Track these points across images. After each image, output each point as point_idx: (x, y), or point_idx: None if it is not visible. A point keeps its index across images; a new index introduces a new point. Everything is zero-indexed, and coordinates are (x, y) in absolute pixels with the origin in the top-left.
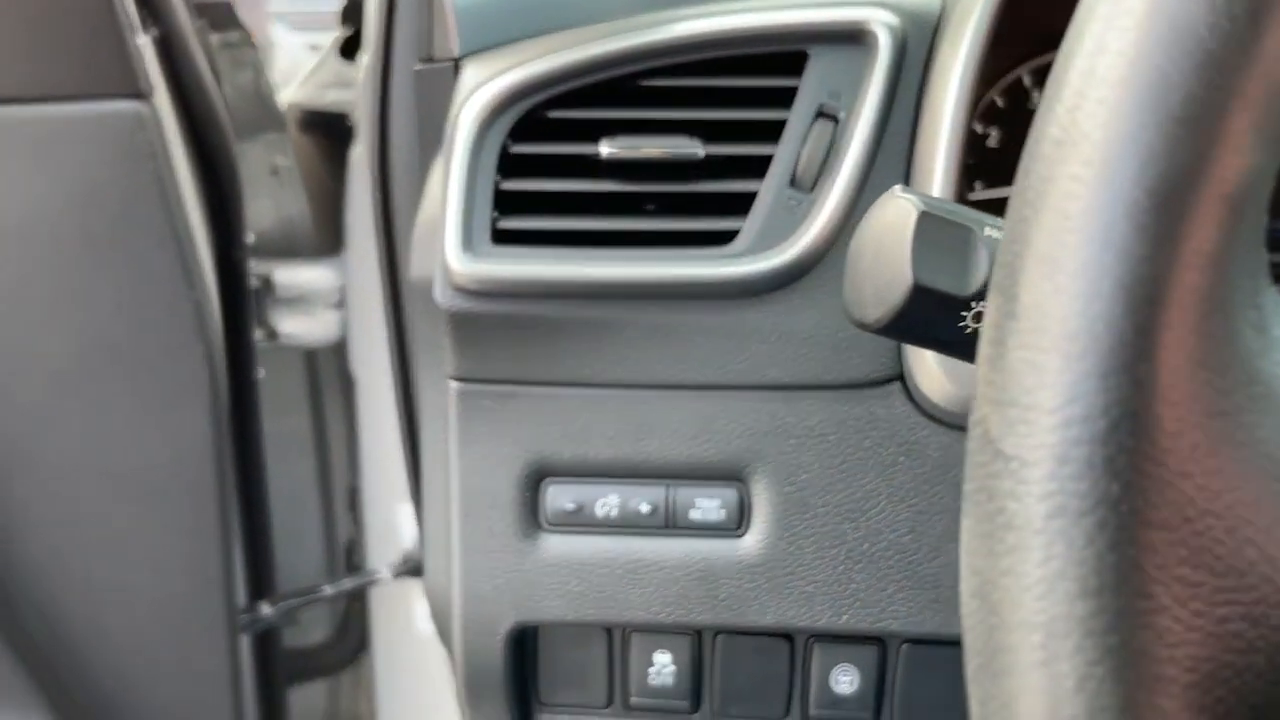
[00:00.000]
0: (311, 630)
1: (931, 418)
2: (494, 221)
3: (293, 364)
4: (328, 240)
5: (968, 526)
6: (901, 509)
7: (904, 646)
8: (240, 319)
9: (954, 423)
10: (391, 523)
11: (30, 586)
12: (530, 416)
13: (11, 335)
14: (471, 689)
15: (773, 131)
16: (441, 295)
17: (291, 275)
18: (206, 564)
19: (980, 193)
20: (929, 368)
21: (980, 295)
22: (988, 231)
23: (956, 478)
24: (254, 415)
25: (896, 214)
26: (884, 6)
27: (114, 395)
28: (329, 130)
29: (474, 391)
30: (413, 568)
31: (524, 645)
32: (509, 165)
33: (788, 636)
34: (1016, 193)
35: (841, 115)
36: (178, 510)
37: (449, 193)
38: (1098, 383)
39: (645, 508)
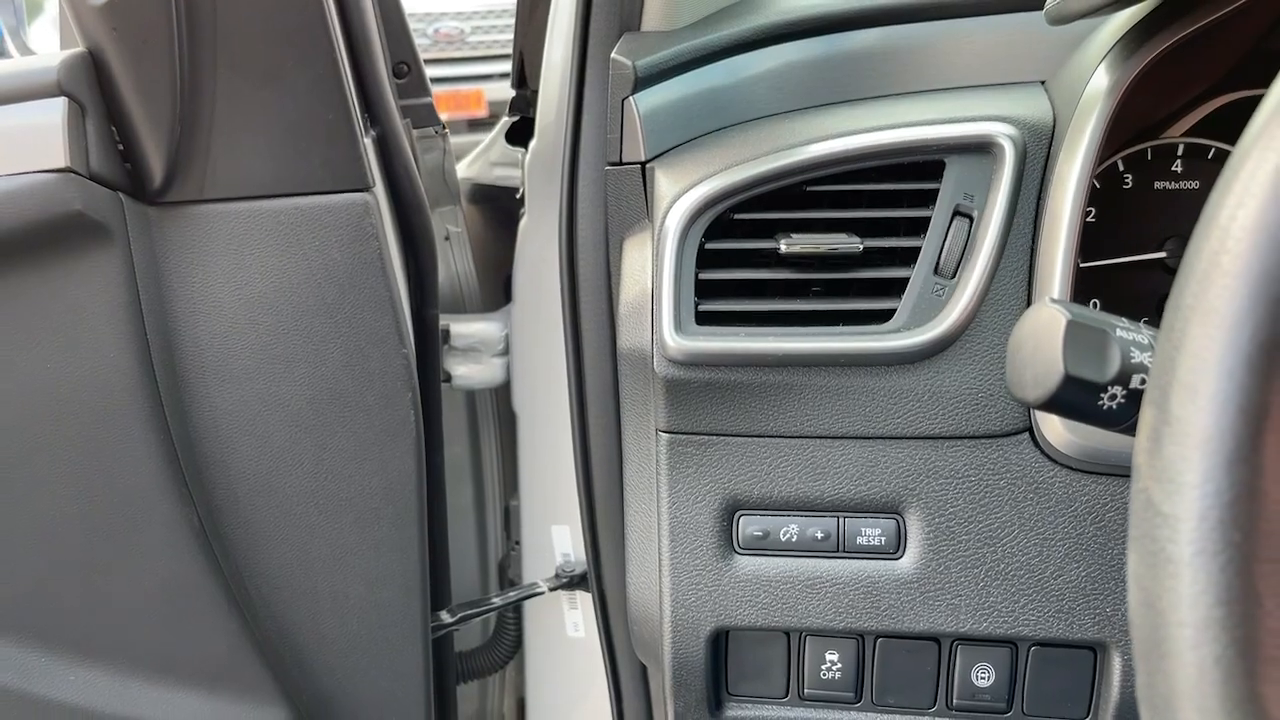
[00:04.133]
0: (467, 636)
1: (1055, 462)
2: (696, 305)
3: (455, 404)
4: (491, 297)
5: (1135, 559)
6: (1031, 536)
7: (1033, 649)
8: (430, 367)
9: (1074, 466)
10: (545, 540)
11: (267, 596)
12: (726, 461)
13: (262, 386)
14: (678, 681)
15: (918, 227)
16: (659, 366)
17: (464, 327)
18: (408, 577)
19: (1084, 264)
20: (1053, 422)
21: (1114, 381)
22: (1119, 333)
23: (1077, 510)
24: (438, 449)
25: (1050, 319)
26: (1006, 121)
27: (339, 435)
28: (495, 203)
29: (680, 441)
30: (565, 581)
31: (717, 646)
32: (704, 259)
33: (935, 640)
34: (1163, 337)
35: (975, 214)
36: (386, 531)
37: (662, 283)
38: (1225, 469)
39: (820, 534)
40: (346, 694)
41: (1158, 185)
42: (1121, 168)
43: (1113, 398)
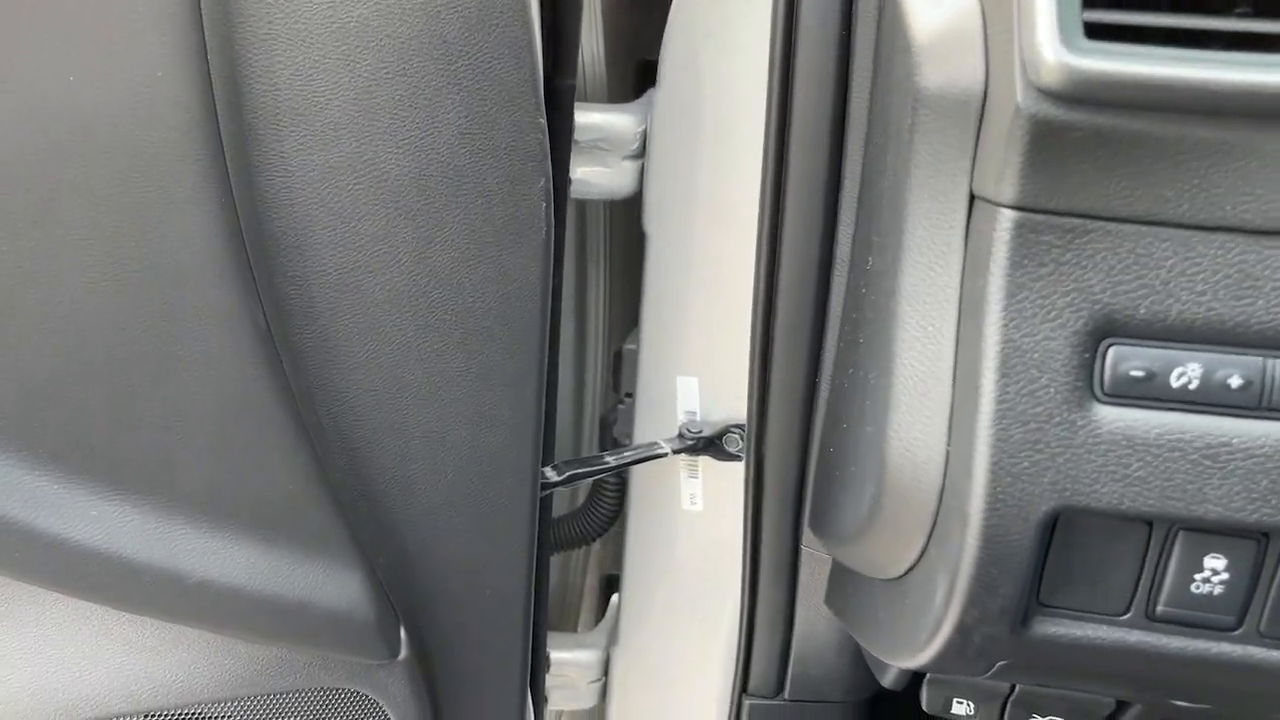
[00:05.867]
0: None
1: None
2: (1081, 13)
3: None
4: (618, 86)
5: None
6: None
7: None
8: (561, 156)
9: None
10: (668, 393)
11: (344, 429)
12: (1102, 261)
13: (353, 148)
14: (982, 581)
15: None
16: (1025, 99)
17: (590, 117)
18: (522, 419)
19: None
20: None
21: None
22: None
23: None
24: (560, 266)
25: None
26: None
27: (449, 226)
28: None
29: (1036, 224)
30: (691, 444)
31: (1045, 535)
32: None
33: None
34: None
35: None
36: (499, 358)
37: None
38: None
39: (1236, 381)
40: (434, 555)
41: None
42: None
43: None
